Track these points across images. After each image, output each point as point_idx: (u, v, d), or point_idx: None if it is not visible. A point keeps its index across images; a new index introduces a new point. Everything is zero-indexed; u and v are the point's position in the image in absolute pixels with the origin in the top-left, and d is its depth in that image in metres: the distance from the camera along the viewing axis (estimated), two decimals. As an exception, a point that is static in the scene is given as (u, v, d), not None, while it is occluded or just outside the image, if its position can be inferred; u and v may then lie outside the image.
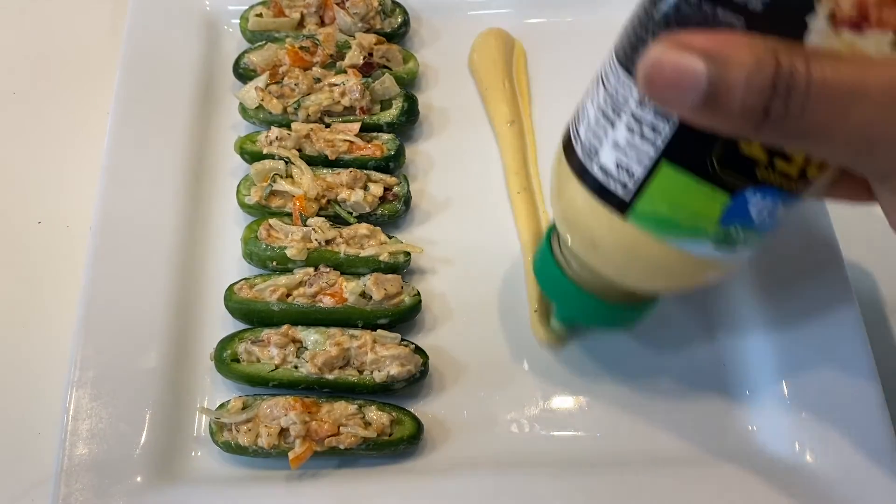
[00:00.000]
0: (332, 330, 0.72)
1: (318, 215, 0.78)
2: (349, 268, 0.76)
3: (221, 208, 0.83)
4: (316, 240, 0.76)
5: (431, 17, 0.96)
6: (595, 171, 0.53)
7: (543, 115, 0.90)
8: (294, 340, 0.72)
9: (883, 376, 0.70)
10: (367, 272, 0.75)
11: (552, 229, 0.67)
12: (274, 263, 0.76)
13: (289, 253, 0.75)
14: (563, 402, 0.74)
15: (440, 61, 0.94)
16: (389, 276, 0.75)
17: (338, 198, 0.79)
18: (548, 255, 0.66)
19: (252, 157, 0.82)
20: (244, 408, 0.69)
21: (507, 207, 0.84)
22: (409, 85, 0.90)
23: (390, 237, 0.78)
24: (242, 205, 0.80)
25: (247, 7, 0.92)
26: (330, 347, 0.71)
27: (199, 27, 0.92)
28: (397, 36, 0.92)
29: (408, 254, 0.77)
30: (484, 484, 0.68)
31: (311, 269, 0.75)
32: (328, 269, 0.75)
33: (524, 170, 0.86)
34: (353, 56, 0.86)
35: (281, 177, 0.79)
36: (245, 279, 0.76)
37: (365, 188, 0.80)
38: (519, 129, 0.88)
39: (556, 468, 0.69)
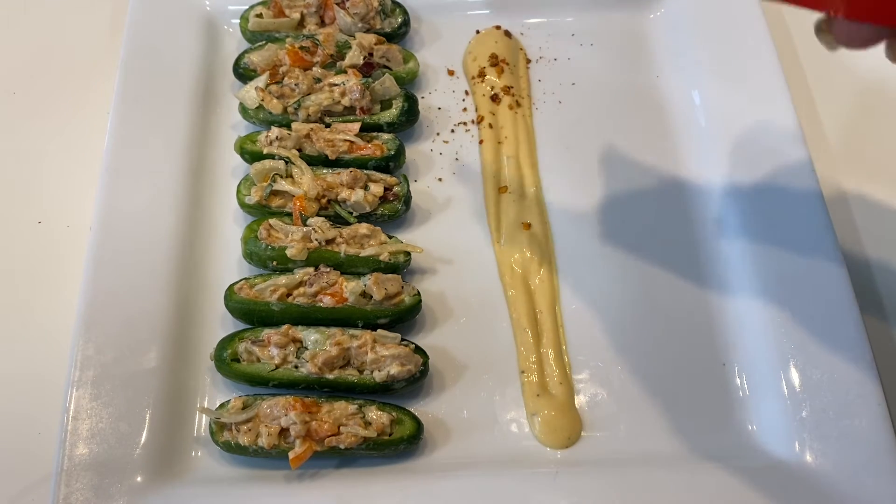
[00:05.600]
0: (333, 330, 0.72)
1: (318, 215, 0.78)
2: (349, 268, 0.76)
3: (221, 208, 0.83)
4: (316, 240, 0.76)
5: (431, 17, 0.96)
6: None
7: (543, 115, 0.90)
8: (294, 340, 0.72)
9: (883, 376, 0.70)
10: (367, 272, 0.75)
11: None
12: (274, 263, 0.76)
13: (289, 253, 0.75)
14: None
15: (440, 61, 0.94)
16: (389, 275, 0.75)
17: (338, 198, 0.79)
18: None
19: (252, 157, 0.82)
20: (244, 408, 0.69)
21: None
22: (409, 85, 0.90)
23: (390, 237, 0.78)
24: (242, 205, 0.80)
25: (247, 7, 0.92)
26: (330, 347, 0.71)
27: (199, 27, 0.92)
28: (397, 36, 0.92)
29: (408, 254, 0.77)
30: (484, 484, 0.68)
31: (311, 269, 0.75)
32: (328, 269, 0.75)
33: (523, 169, 0.86)
34: (353, 56, 0.86)
35: (281, 177, 0.79)
36: (245, 279, 0.76)
37: (365, 188, 0.80)
38: (518, 129, 0.88)
39: (556, 468, 0.69)
